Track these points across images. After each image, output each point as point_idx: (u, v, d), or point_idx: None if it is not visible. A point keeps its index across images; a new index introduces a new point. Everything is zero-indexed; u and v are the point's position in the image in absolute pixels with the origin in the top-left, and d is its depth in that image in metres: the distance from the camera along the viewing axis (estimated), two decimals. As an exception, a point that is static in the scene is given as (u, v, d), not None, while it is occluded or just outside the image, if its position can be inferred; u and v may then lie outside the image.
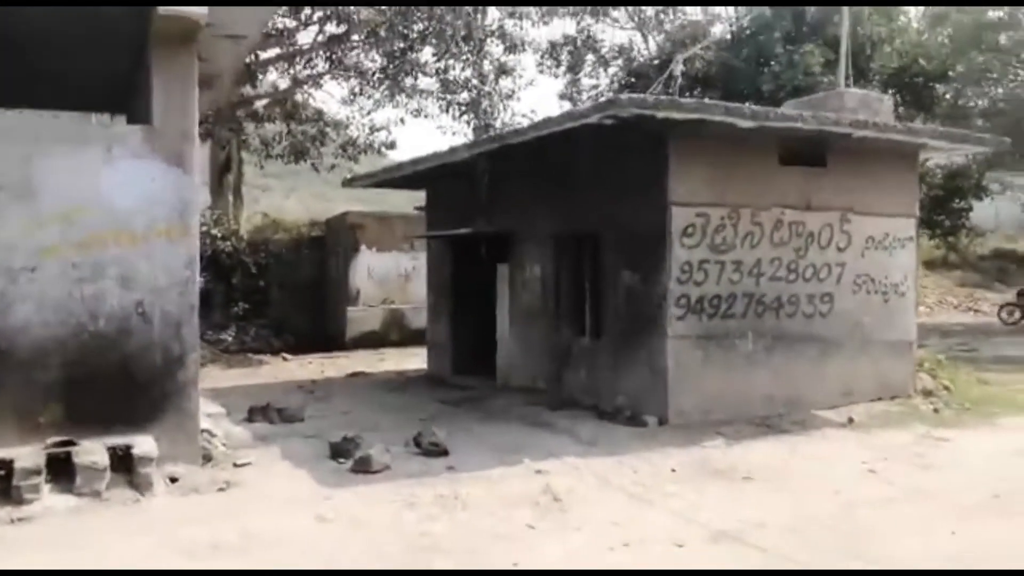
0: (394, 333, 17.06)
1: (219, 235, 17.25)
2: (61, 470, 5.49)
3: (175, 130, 6.26)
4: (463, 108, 20.17)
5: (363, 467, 6.25)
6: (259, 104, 18.80)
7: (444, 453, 6.78)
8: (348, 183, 12.89)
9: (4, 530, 4.86)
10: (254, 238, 18.24)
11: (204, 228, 17.14)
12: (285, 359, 15.19)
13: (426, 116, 21.82)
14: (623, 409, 8.36)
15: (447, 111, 20.51)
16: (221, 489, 5.85)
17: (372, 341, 16.73)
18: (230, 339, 16.41)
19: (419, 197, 13.48)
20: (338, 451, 6.69)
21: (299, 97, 19.99)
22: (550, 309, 9.77)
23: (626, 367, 8.49)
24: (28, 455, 5.42)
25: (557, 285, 9.71)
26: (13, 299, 5.78)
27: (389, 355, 15.74)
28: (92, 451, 5.59)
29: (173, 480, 5.90)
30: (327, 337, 17.47)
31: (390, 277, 17.10)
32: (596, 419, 8.31)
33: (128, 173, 6.07)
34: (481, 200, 10.43)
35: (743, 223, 8.39)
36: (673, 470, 6.47)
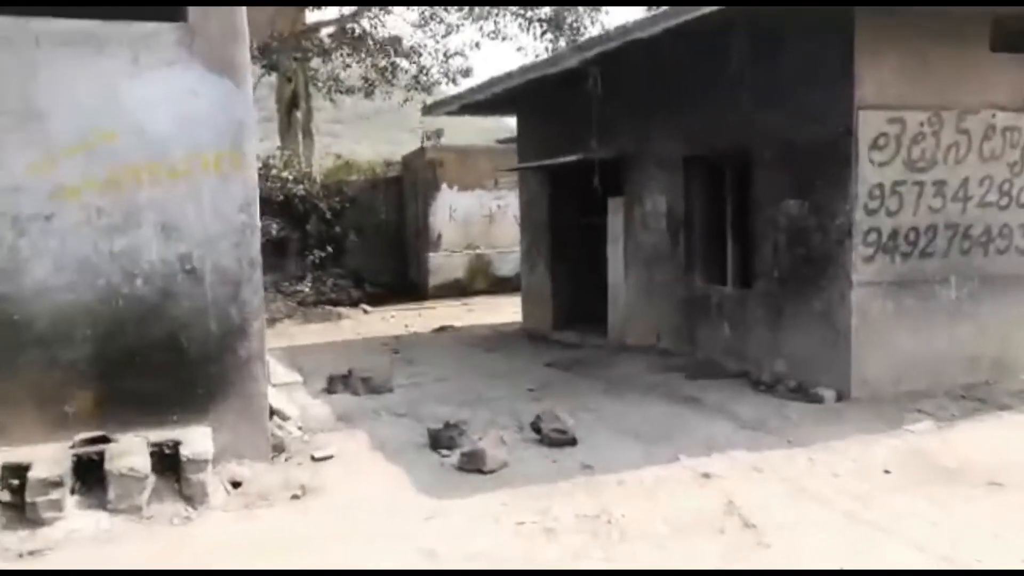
0: (479, 281, 15.65)
1: (290, 178, 16.03)
2: (93, 475, 4.25)
3: (220, 28, 4.76)
4: (544, 25, 18.16)
5: (474, 464, 4.81)
6: (325, 33, 17.28)
7: (572, 442, 5.28)
8: (428, 110, 11.30)
9: (8, 568, 3.64)
10: (327, 181, 16.96)
11: (274, 170, 15.99)
12: (365, 311, 14.01)
13: (503, 38, 19.94)
14: (784, 378, 6.66)
15: (527, 29, 18.55)
16: (295, 496, 4.52)
17: (456, 290, 15.38)
18: (307, 290, 15.32)
19: (499, 133, 11.83)
20: (439, 440, 5.27)
21: (367, 23, 18.35)
22: (679, 250, 8.05)
23: (789, 324, 6.75)
24: (49, 459, 4.18)
25: (688, 220, 7.95)
26: (25, 256, 4.48)
27: (476, 305, 14.37)
28: (130, 451, 4.33)
29: (235, 484, 4.61)
30: (408, 286, 16.24)
31: (474, 218, 15.60)
32: (751, 391, 6.65)
33: (161, 86, 4.63)
34: (590, 119, 8.64)
35: (947, 131, 6.39)
36: (887, 471, 4.79)
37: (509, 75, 8.69)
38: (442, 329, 11.64)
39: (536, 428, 5.44)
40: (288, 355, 9.73)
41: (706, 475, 4.67)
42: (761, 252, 7.02)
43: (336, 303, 14.85)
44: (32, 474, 4.00)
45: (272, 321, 12.95)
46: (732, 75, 7.12)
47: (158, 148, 4.64)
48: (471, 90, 9.86)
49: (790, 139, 6.59)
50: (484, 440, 5.01)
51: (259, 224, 4.96)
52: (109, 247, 4.60)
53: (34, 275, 4.48)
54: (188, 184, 4.71)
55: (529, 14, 18.06)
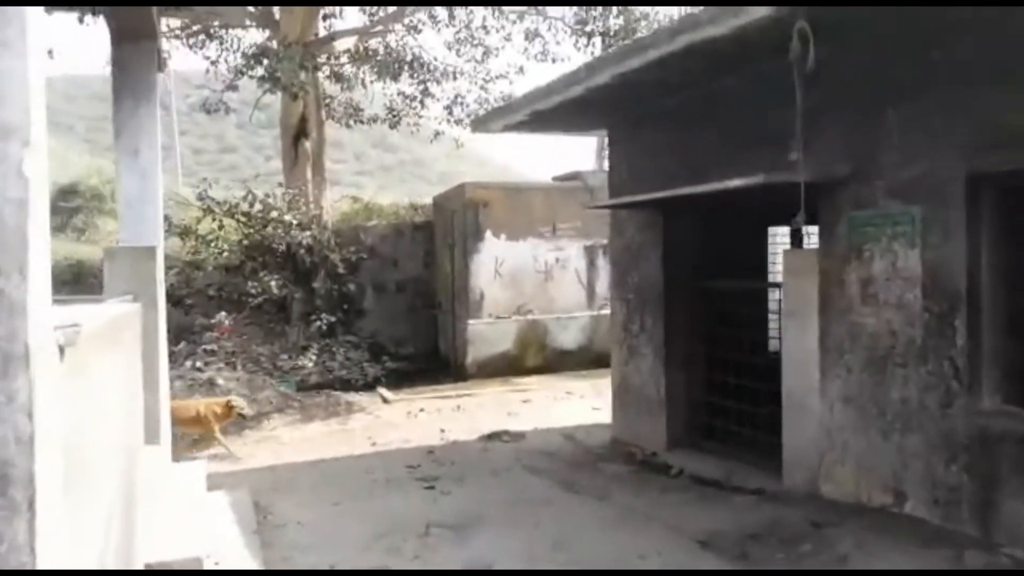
0: (533, 355, 12.08)
1: (295, 222, 12.71)
2: None
3: None
4: (609, 40, 14.92)
5: None
6: (342, 48, 14.16)
7: None
8: (479, 124, 7.94)
9: None
10: (341, 227, 13.67)
11: (275, 213, 12.73)
12: (384, 399, 10.45)
13: (554, 60, 16.78)
14: None
15: (586, 47, 15.33)
16: None
17: (503, 367, 11.83)
18: (310, 364, 11.84)
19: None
20: None
21: (393, 41, 15.27)
22: (950, 344, 4.45)
23: None
24: None
25: (972, 291, 4.37)
26: None
27: (532, 391, 10.78)
28: None
29: None
30: (440, 361, 12.73)
31: (526, 275, 12.11)
32: None
33: None
34: (756, 123, 5.21)
35: None
36: None
37: (636, 46, 5.26)
38: (494, 437, 8.06)
39: None
40: (260, 490, 6.21)
41: None
42: None
43: (347, 384, 11.38)
44: None
45: (258, 417, 9.45)
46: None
47: None
48: (553, 85, 6.41)
49: None
50: None
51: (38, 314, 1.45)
52: None
53: None
54: None
55: (589, 27, 14.87)
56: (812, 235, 7.85)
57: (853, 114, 4.99)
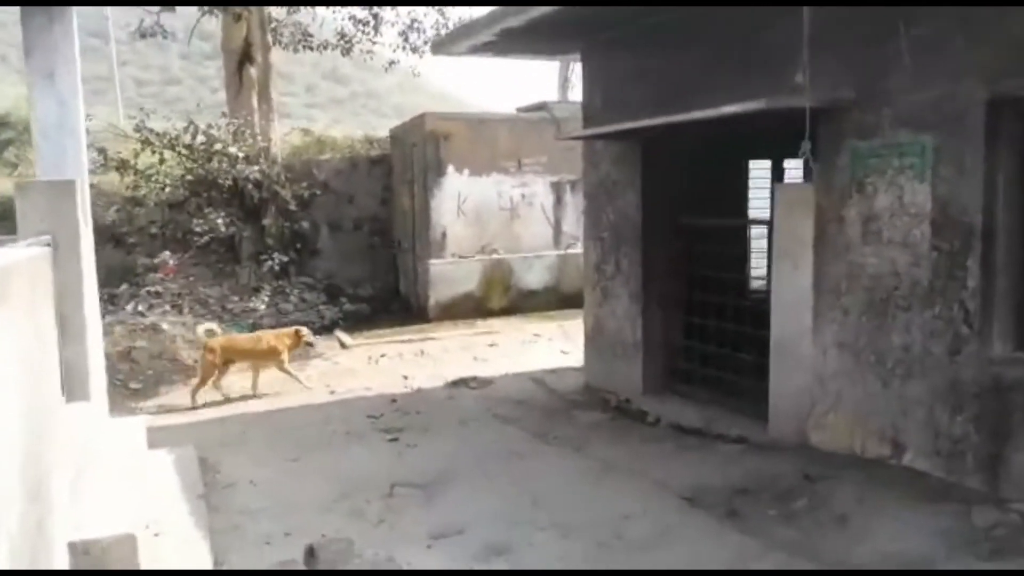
0: (497, 296, 11.62)
1: (241, 156, 11.87)
2: None
3: None
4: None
5: None
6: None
7: None
8: (441, 46, 7.24)
9: None
10: (292, 162, 12.86)
11: (219, 145, 11.87)
12: (343, 344, 9.92)
13: (518, -14, 15.83)
14: None
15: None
16: None
17: (467, 308, 11.36)
18: (263, 307, 11.19)
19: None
20: None
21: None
22: (961, 286, 4.11)
23: None
24: None
25: (988, 229, 4.00)
26: None
27: (498, 333, 10.37)
28: None
29: None
30: (400, 302, 12.20)
31: (490, 212, 11.54)
32: None
33: None
34: (764, 44, 4.70)
35: None
36: None
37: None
38: (460, 383, 7.65)
39: None
40: (208, 446, 5.71)
41: None
42: None
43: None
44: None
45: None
46: None
47: None
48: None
49: None
50: None
51: None
52: None
53: None
54: None
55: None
56: (792, 170, 7.49)
57: (859, 33, 4.50)
